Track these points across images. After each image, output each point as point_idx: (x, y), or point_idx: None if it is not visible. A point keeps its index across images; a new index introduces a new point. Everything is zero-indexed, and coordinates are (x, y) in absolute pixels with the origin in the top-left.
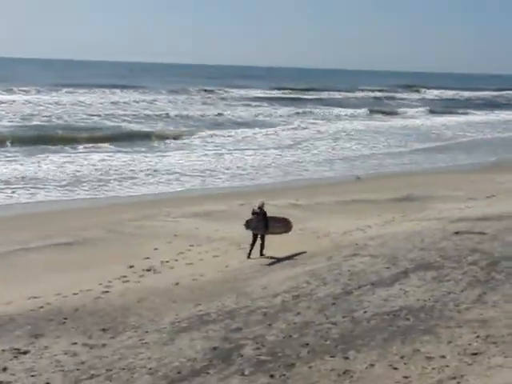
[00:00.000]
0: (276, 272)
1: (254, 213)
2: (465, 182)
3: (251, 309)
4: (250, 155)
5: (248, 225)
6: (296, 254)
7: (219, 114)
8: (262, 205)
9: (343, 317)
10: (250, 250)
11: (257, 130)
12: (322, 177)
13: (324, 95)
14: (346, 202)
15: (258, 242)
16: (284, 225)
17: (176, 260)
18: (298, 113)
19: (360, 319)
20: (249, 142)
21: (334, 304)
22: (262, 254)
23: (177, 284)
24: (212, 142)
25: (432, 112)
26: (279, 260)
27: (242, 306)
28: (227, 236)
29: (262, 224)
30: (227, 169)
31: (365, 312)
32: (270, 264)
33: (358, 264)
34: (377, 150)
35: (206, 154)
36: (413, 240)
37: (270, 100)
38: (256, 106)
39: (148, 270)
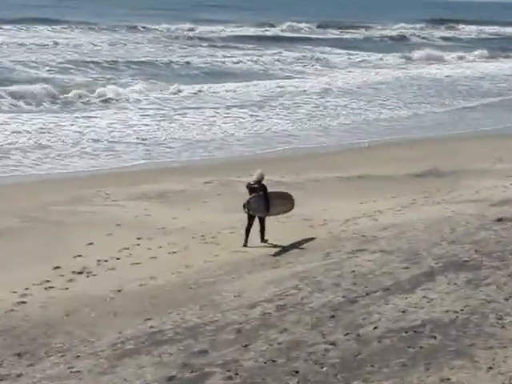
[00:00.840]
0: (254, 274)
1: (250, 188)
2: (511, 152)
3: (220, 324)
4: (215, 116)
5: (249, 206)
6: (283, 248)
7: (176, 62)
8: (262, 177)
9: (345, 334)
10: (247, 236)
11: (230, 84)
12: (315, 145)
13: (333, 33)
14: (350, 179)
15: (256, 224)
16: (286, 202)
17: (118, 258)
18: (299, 58)
19: (368, 338)
20: (214, 98)
21: (332, 317)
22: (263, 240)
23: (119, 291)
24: (162, 100)
25: (482, 56)
26: (269, 254)
27: (207, 320)
28: (188, 225)
29: (263, 203)
30: (183, 136)
31: (375, 328)
32: (247, 262)
33: (365, 263)
34: (392, 110)
35: (150, 116)
36: (440, 230)
37: (259, 40)
38: (234, 48)
39: (80, 273)
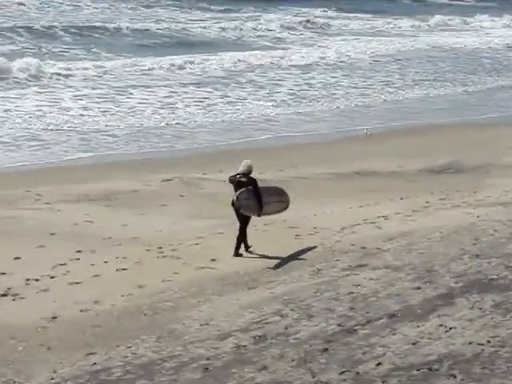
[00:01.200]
0: (226, 296)
1: (236, 182)
2: None
3: (183, 360)
4: (170, 97)
5: (240, 203)
6: (262, 264)
7: (126, 28)
8: (250, 169)
9: (341, 373)
10: (240, 244)
11: (187, 56)
12: (302, 133)
13: None
14: (346, 177)
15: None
16: (281, 199)
17: (52, 277)
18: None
19: (370, 377)
20: (168, 74)
21: (325, 351)
22: (236, 254)
23: (54, 318)
24: (103, 76)
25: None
26: (244, 271)
27: (166, 355)
28: (142, 235)
29: (254, 200)
30: (130, 122)
31: (378, 364)
32: (216, 282)
33: (366, 282)
34: (398, 89)
35: (86, 96)
36: (460, 240)
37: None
38: (201, 10)
39: (3, 295)
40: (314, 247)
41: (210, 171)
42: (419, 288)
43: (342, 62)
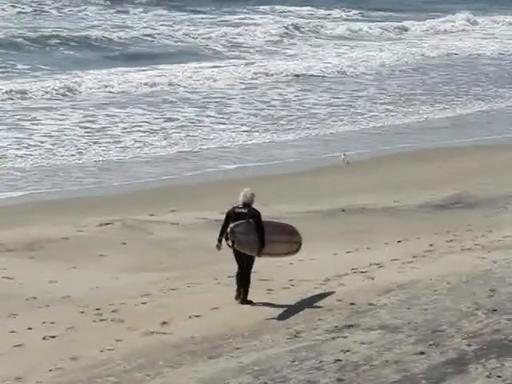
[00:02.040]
0: (181, 368)
1: (234, 215)
2: None
3: None
4: (95, 120)
5: (234, 237)
6: (225, 326)
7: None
8: (251, 199)
9: None
10: (240, 288)
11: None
12: (267, 162)
13: None
14: (330, 215)
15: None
16: (290, 239)
17: None
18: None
19: None
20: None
21: None
22: (245, 301)
23: None
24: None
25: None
26: (202, 336)
27: None
28: (75, 293)
29: (255, 236)
30: (45, 153)
31: None
32: (168, 350)
33: (356, 347)
34: (387, 104)
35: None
36: (473, 292)
37: None
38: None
39: None
40: (291, 305)
41: (158, 212)
42: (423, 353)
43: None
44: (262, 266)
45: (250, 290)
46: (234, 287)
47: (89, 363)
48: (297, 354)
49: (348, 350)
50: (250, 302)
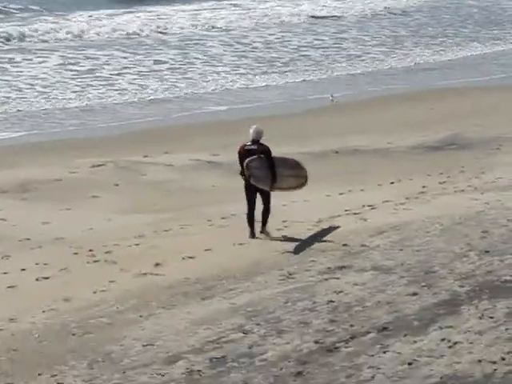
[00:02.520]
0: (174, 309)
1: (244, 152)
2: None
3: None
4: (76, 62)
5: (250, 172)
6: (218, 267)
7: None
8: (260, 135)
9: None
10: (252, 222)
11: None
12: (256, 104)
13: None
14: (323, 156)
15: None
16: (298, 173)
17: None
18: None
19: None
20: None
21: (299, 375)
22: (263, 231)
23: None
24: None
25: None
26: (196, 277)
27: None
28: (68, 235)
29: (266, 170)
30: (34, 92)
31: None
32: (161, 291)
33: (349, 288)
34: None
35: None
36: (466, 234)
37: None
38: None
39: None
40: (284, 246)
41: (152, 153)
42: (416, 294)
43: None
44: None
45: (238, 232)
46: (228, 227)
47: (82, 304)
48: (289, 295)
49: (341, 291)
50: (268, 233)
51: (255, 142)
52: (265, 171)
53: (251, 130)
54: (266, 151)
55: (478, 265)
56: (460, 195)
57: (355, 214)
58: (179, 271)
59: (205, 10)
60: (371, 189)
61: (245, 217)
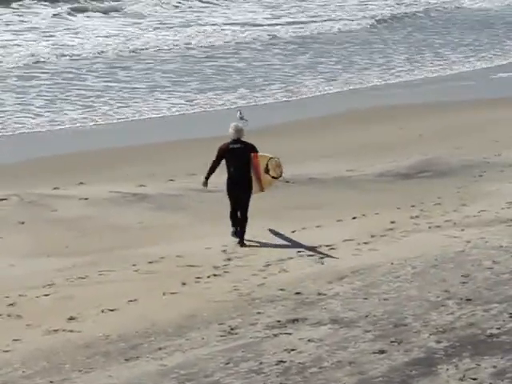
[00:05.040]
0: (92, 373)
1: (230, 150)
2: None
3: None
4: None
5: (281, 169)
6: (143, 322)
7: None
8: (241, 132)
9: None
10: (235, 221)
11: None
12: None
13: None
14: (271, 186)
15: None
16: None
17: None
18: None
19: None
20: None
21: None
22: (242, 244)
23: None
24: None
25: None
26: (118, 333)
27: None
28: None
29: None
30: None
31: None
32: (77, 351)
33: (303, 345)
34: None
35: None
36: (443, 278)
37: None
38: None
39: None
40: (223, 294)
41: (64, 184)
42: (383, 352)
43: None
44: (188, 248)
45: (169, 279)
46: (157, 274)
47: None
48: (232, 354)
49: (293, 349)
50: (244, 244)
51: (238, 140)
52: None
53: (231, 130)
54: (255, 149)
55: (458, 316)
56: (436, 232)
57: (310, 255)
58: (98, 327)
59: None
60: (329, 225)
61: (175, 260)
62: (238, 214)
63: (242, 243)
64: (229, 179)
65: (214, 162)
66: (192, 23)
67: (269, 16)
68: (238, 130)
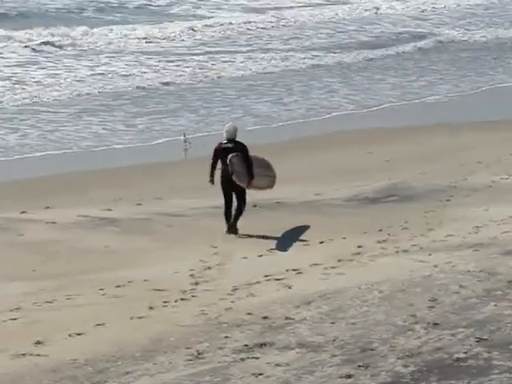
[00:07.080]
0: None
1: (220, 150)
2: None
3: None
4: None
5: (232, 167)
6: (112, 347)
7: None
8: (235, 133)
9: None
10: (230, 219)
11: None
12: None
13: None
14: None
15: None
16: (269, 173)
17: None
18: None
19: None
20: None
21: None
22: (231, 230)
23: None
24: None
25: None
26: (85, 359)
27: None
28: None
29: (243, 169)
30: None
31: None
32: (44, 376)
33: (270, 370)
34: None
35: None
36: (410, 303)
37: None
38: None
39: None
40: (190, 318)
41: (30, 208)
42: (350, 376)
43: None
44: (155, 273)
45: (136, 303)
46: (124, 298)
47: None
48: (199, 378)
49: (260, 374)
50: (236, 231)
51: (231, 140)
52: (242, 169)
53: (225, 129)
54: (244, 149)
55: (425, 340)
56: (403, 256)
57: (277, 279)
58: (65, 351)
59: None
60: (296, 250)
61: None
62: (232, 209)
63: (229, 230)
64: (222, 177)
65: (211, 161)
66: None
67: None
68: (230, 131)
